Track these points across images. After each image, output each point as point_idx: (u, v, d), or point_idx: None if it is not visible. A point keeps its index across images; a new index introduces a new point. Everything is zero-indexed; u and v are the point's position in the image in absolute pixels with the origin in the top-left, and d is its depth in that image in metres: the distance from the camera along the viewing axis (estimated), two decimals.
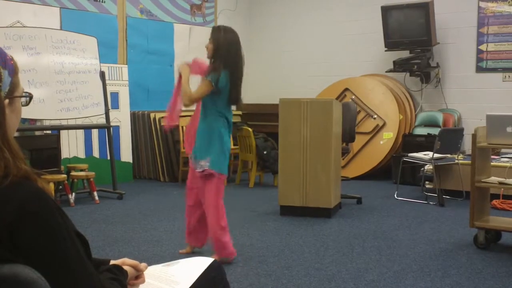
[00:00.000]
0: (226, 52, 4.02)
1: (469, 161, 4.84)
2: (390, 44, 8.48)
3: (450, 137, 6.61)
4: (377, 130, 8.31)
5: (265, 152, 7.75)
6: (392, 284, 3.76)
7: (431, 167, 6.72)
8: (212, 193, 4.16)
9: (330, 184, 5.72)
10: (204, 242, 4.43)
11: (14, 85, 1.45)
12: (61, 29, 7.35)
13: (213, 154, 4.11)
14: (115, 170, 7.10)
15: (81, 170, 6.90)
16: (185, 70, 4.17)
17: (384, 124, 8.27)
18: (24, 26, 6.90)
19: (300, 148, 5.76)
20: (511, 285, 3.78)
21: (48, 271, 1.31)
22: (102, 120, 7.09)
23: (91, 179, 6.65)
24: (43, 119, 6.64)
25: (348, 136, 6.48)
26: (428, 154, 6.64)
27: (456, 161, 6.70)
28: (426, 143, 7.60)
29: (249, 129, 7.77)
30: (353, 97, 8.49)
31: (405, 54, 8.45)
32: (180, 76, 4.20)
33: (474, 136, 4.57)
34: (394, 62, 8.42)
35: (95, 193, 6.60)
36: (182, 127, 7.94)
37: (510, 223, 4.69)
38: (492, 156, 5.64)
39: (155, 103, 8.67)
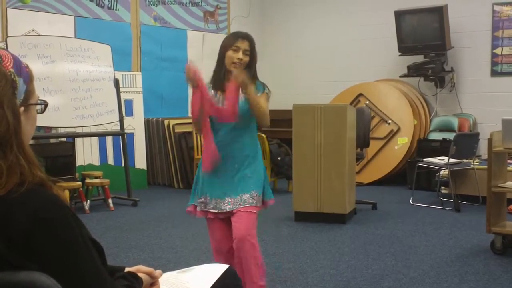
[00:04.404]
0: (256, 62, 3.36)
1: (485, 166, 4.80)
2: (404, 48, 8.44)
3: (465, 142, 6.56)
4: (392, 135, 8.27)
5: (279, 158, 7.74)
6: None
7: (446, 172, 6.67)
8: (253, 228, 3.29)
9: (345, 189, 5.70)
10: None
11: (29, 92, 1.45)
12: (75, 37, 7.40)
13: (266, 179, 3.37)
14: (130, 177, 7.12)
15: (96, 177, 6.93)
16: (245, 80, 3.13)
17: (399, 129, 8.23)
18: (39, 35, 6.96)
19: (314, 153, 5.74)
20: None
21: (63, 278, 1.31)
22: (117, 128, 7.12)
23: (106, 186, 6.68)
24: (58, 127, 6.68)
25: (363, 141, 6.46)
26: (443, 159, 6.59)
27: (472, 166, 6.64)
28: (441, 148, 7.55)
29: (263, 135, 7.75)
30: (367, 102, 8.46)
31: (419, 58, 8.40)
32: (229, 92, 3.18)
33: (490, 141, 4.53)
34: (408, 66, 8.38)
35: (110, 200, 6.63)
36: (197, 133, 7.96)
37: None
38: (509, 161, 5.58)
39: (169, 110, 8.71)
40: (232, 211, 3.21)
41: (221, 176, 3.25)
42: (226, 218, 3.28)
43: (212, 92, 3.25)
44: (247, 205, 3.20)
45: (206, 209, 3.28)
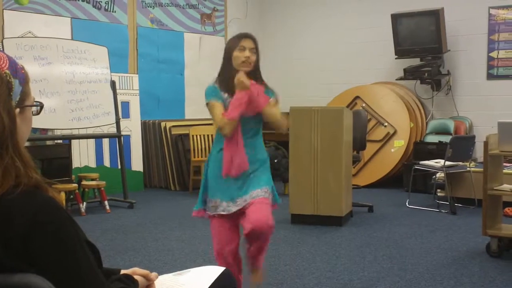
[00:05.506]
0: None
1: (481, 169, 4.81)
2: (401, 51, 8.46)
3: (461, 145, 6.57)
4: (388, 138, 8.28)
5: (275, 161, 7.73)
6: None
7: (442, 175, 6.68)
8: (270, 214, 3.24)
9: (341, 192, 5.70)
10: None
11: (25, 94, 1.45)
12: (72, 39, 7.39)
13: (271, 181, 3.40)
14: (126, 179, 7.10)
15: (92, 179, 6.91)
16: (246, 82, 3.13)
17: (395, 132, 8.24)
18: (35, 36, 6.95)
19: (310, 156, 5.74)
20: None
21: (59, 280, 1.31)
22: (113, 129, 7.11)
23: (102, 188, 6.67)
24: (54, 129, 6.67)
25: (359, 144, 6.46)
26: (439, 162, 6.60)
27: (468, 168, 6.65)
28: (438, 151, 7.56)
29: None
30: (363, 105, 8.47)
31: (415, 61, 8.42)
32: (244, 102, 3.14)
33: (486, 144, 4.53)
34: (404, 69, 8.39)
35: (106, 202, 6.61)
36: (193, 135, 7.96)
37: None
38: (504, 164, 5.60)
39: (166, 112, 8.71)
40: (243, 206, 3.19)
41: (233, 180, 3.23)
42: (232, 219, 3.26)
43: (225, 95, 3.22)
44: (260, 197, 3.19)
45: (216, 212, 3.26)
